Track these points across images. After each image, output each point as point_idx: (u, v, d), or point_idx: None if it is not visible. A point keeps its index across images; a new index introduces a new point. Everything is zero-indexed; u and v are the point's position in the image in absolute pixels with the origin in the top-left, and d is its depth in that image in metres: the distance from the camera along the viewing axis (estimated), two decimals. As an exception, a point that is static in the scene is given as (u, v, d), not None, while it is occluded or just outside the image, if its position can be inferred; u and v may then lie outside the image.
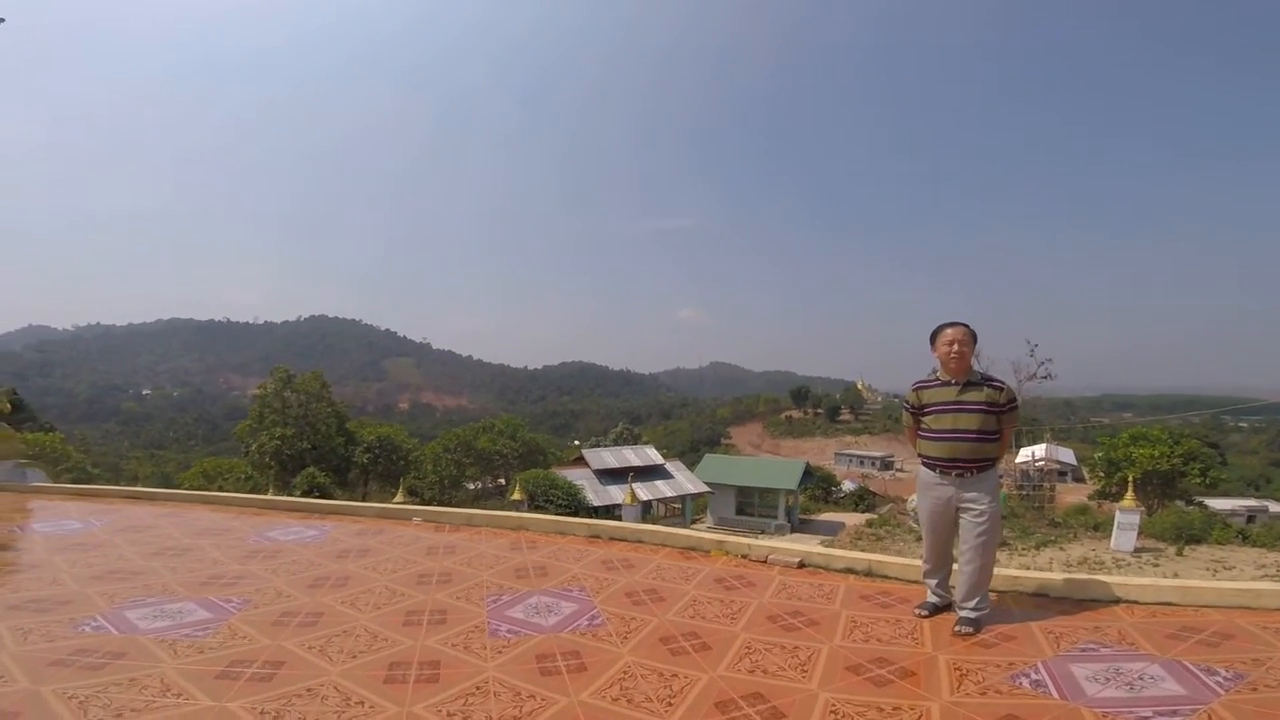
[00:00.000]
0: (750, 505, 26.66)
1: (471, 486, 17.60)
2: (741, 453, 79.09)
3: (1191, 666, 2.87)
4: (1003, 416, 3.40)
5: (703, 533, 5.22)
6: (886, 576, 4.35)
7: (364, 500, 22.30)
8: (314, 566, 4.88)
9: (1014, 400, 3.42)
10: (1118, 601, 3.69)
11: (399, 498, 17.33)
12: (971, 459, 3.32)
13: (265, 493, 15.64)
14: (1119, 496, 23.89)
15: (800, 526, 25.93)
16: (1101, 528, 16.96)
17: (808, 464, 29.45)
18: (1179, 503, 22.55)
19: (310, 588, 4.30)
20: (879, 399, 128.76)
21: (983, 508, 3.30)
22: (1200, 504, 23.37)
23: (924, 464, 3.52)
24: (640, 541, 5.31)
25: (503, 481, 19.36)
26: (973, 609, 3.33)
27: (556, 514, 14.78)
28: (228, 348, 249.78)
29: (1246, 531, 17.24)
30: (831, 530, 23.83)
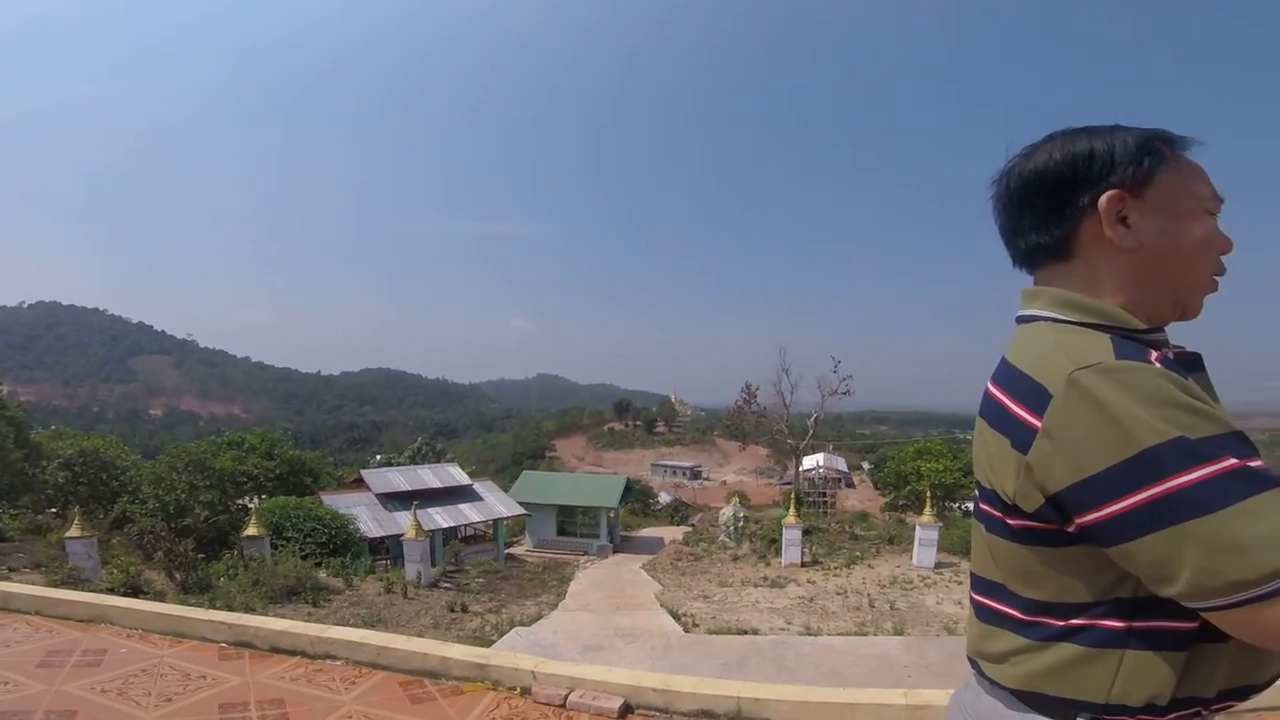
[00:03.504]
0: (572, 525, 25.27)
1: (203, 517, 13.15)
2: (566, 465, 77.81)
3: None
4: None
5: (460, 652, 2.91)
6: None
7: (50, 529, 15.97)
8: None
9: None
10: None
11: (72, 530, 12.34)
12: None
13: None
14: (909, 509, 26.31)
15: (622, 544, 24.99)
16: (897, 540, 17.80)
17: (628, 479, 29.00)
18: (958, 511, 25.24)
19: None
20: (689, 412, 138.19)
21: None
22: (976, 513, 26.30)
23: None
24: (329, 658, 2.76)
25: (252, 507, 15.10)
26: None
27: (311, 553, 11.22)
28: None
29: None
30: (653, 547, 23.42)
